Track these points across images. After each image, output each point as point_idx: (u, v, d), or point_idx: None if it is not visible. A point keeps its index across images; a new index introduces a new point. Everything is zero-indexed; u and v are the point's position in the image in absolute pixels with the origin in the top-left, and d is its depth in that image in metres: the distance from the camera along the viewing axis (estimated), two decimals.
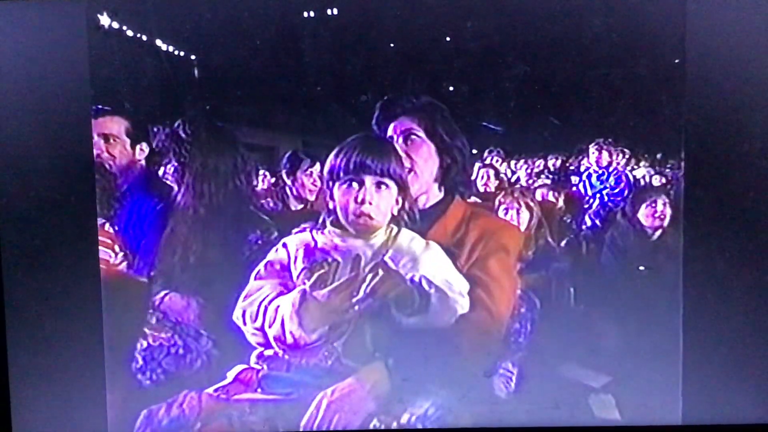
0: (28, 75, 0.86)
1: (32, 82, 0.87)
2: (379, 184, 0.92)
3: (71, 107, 0.87)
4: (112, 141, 0.90)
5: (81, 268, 0.90)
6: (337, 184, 0.93)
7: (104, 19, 0.87)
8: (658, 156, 0.92)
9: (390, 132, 0.93)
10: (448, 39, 0.90)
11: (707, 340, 0.90)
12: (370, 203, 0.92)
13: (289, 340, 0.93)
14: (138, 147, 0.92)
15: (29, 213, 0.88)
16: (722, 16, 0.85)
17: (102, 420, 0.92)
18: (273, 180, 0.94)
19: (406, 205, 0.93)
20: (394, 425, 0.94)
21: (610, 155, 0.93)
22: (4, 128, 0.87)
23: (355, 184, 0.92)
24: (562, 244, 0.95)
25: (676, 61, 0.87)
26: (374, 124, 0.92)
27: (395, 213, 0.94)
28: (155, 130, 0.91)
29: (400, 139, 0.93)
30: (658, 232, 0.93)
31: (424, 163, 0.94)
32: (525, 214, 0.95)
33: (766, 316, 0.89)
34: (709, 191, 0.89)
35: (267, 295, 0.94)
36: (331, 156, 0.92)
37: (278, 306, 0.93)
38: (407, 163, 0.93)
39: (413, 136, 0.93)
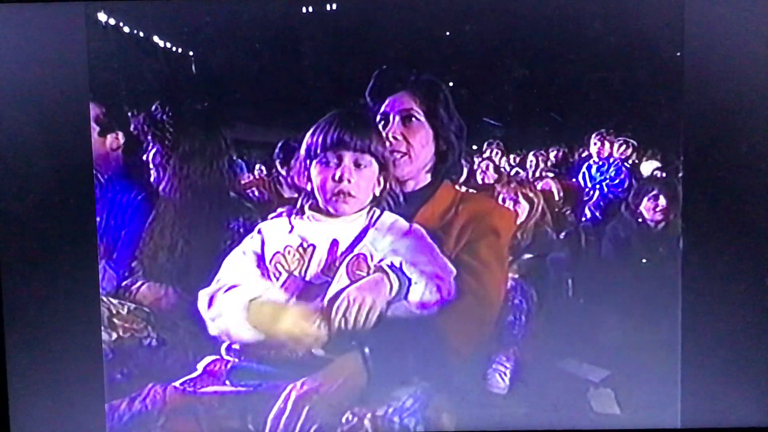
0: (26, 78, 0.87)
1: (31, 84, 0.87)
2: (357, 162, 0.87)
3: (70, 109, 0.87)
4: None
5: (80, 270, 0.90)
6: (314, 162, 0.88)
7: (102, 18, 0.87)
8: (659, 152, 0.90)
9: (385, 107, 0.87)
10: (447, 34, 0.86)
11: (706, 342, 0.89)
12: (349, 180, 0.88)
13: (234, 335, 0.90)
14: (114, 135, 0.90)
15: (28, 215, 0.88)
16: (720, 16, 0.85)
17: (101, 421, 0.91)
18: (266, 171, 0.90)
19: (389, 186, 0.89)
20: (368, 417, 0.90)
21: (611, 146, 0.90)
22: (2, 131, 0.87)
23: (332, 161, 0.88)
24: (562, 235, 0.91)
25: (678, 54, 0.85)
26: (367, 95, 0.86)
27: (377, 194, 0.89)
28: (135, 118, 0.89)
29: (397, 118, 0.87)
30: (661, 226, 0.91)
31: (421, 149, 0.88)
32: (525, 205, 0.91)
33: (766, 319, 0.88)
34: (707, 192, 0.88)
35: (225, 284, 0.90)
36: (308, 135, 0.87)
37: (233, 297, 0.89)
38: (402, 147, 0.87)
39: (413, 118, 0.87)
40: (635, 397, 0.90)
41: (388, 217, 0.89)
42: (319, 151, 0.87)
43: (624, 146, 0.90)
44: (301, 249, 0.90)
